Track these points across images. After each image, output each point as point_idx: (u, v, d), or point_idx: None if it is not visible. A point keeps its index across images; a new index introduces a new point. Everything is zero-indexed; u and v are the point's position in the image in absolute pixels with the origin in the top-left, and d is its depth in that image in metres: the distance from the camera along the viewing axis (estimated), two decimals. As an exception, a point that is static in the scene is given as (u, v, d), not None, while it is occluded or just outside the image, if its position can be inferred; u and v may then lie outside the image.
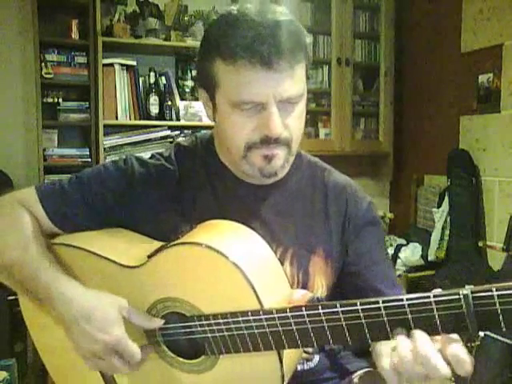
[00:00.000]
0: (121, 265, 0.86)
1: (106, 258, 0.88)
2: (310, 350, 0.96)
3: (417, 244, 3.15)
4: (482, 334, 0.55)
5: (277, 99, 0.81)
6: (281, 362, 0.75)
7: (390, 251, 3.16)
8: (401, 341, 0.64)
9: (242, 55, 0.79)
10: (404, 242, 3.24)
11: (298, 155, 1.00)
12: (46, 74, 2.77)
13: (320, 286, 0.94)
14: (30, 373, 2.48)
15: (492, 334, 2.37)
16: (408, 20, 3.52)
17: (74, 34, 2.82)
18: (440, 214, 3.05)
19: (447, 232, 3.02)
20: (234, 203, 0.94)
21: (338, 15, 3.26)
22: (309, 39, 0.86)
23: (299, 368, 0.94)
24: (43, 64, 2.77)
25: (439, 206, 3.09)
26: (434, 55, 3.30)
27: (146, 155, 1.01)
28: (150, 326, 0.84)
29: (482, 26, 2.92)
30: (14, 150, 2.88)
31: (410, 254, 3.11)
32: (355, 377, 1.01)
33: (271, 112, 0.81)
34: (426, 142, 3.40)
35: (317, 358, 0.97)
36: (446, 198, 3.03)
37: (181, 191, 0.95)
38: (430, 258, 3.04)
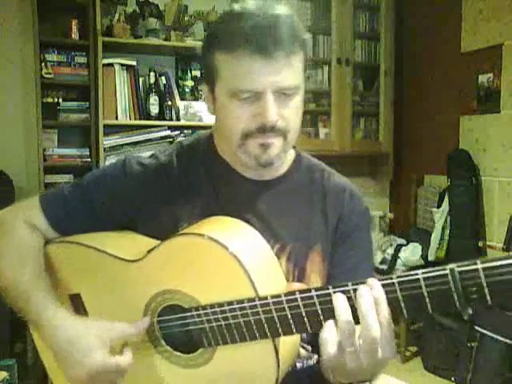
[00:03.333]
0: (121, 259, 0.87)
1: (106, 253, 0.89)
2: (309, 348, 0.97)
3: (417, 244, 3.15)
4: (470, 311, 0.56)
5: (273, 88, 0.83)
6: (277, 354, 0.76)
7: (390, 251, 3.16)
8: (364, 291, 0.66)
9: (241, 44, 0.81)
10: (404, 241, 3.24)
11: (297, 155, 1.02)
12: (46, 73, 2.77)
13: (315, 282, 0.94)
14: (30, 373, 2.48)
15: (492, 334, 2.37)
16: (408, 20, 3.52)
17: (74, 34, 2.82)
18: (440, 214, 3.05)
19: (447, 232, 3.02)
20: (234, 198, 0.95)
21: (338, 15, 3.26)
22: (308, 36, 0.88)
23: (298, 366, 0.95)
24: (43, 64, 2.77)
25: (439, 206, 3.09)
26: (433, 55, 3.30)
27: (146, 154, 1.02)
28: (136, 331, 0.84)
29: (482, 26, 2.92)
30: (14, 150, 2.88)
31: (410, 254, 3.11)
32: None
33: (267, 100, 0.83)
34: (426, 142, 3.40)
35: (316, 356, 0.98)
36: (446, 198, 3.03)
37: (181, 189, 0.95)
38: (429, 258, 3.04)
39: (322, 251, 0.95)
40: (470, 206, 2.96)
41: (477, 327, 2.44)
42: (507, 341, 2.33)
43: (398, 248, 3.14)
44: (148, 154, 1.01)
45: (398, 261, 3.09)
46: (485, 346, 2.41)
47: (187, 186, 0.96)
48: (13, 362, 2.04)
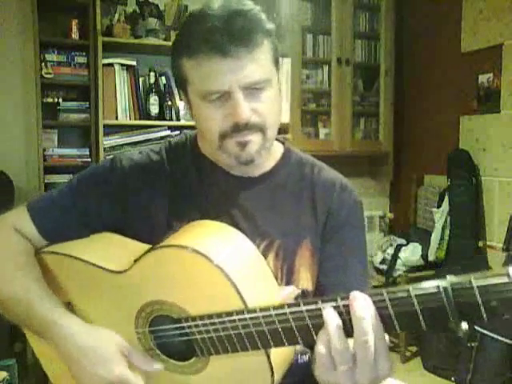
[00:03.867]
0: (108, 270, 0.86)
1: (93, 265, 0.87)
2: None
3: (417, 244, 3.15)
4: (465, 326, 0.55)
5: (240, 86, 0.83)
6: (269, 362, 0.75)
7: (390, 251, 3.16)
8: (329, 312, 0.64)
9: (200, 48, 0.82)
10: (404, 241, 3.24)
11: (286, 151, 1.01)
12: (46, 73, 2.77)
13: (305, 278, 0.93)
14: (30, 373, 2.48)
15: (492, 334, 2.37)
16: (408, 20, 3.52)
17: (74, 34, 2.82)
18: (440, 214, 3.05)
19: (447, 232, 3.02)
20: (221, 195, 0.94)
21: (338, 15, 3.26)
22: (271, 26, 0.87)
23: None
24: (43, 64, 2.77)
25: (439, 206, 3.09)
26: (434, 55, 3.30)
27: (135, 152, 1.01)
28: (149, 368, 0.83)
29: (482, 26, 2.92)
30: (14, 150, 2.88)
31: (410, 254, 3.11)
32: None
33: (236, 99, 0.83)
34: (426, 142, 3.40)
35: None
36: (446, 198, 3.03)
37: (169, 186, 0.95)
38: (430, 258, 3.04)
39: (311, 246, 0.94)
40: (470, 206, 2.96)
41: (477, 327, 2.44)
42: (507, 341, 2.33)
43: (398, 248, 3.14)
44: (136, 151, 1.01)
45: (398, 261, 3.09)
46: (485, 346, 2.41)
47: (176, 184, 0.95)
48: (13, 362, 2.04)
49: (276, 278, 0.87)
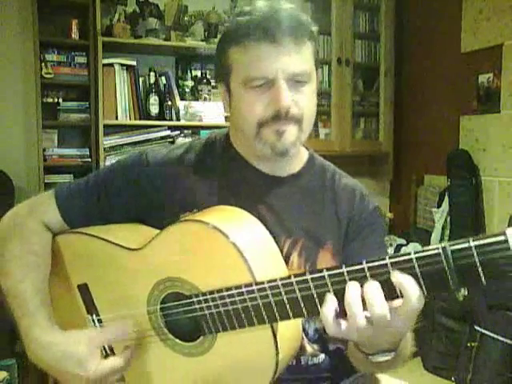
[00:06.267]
0: (124, 247, 0.89)
1: (110, 242, 0.91)
2: (315, 347, 0.97)
3: (417, 244, 3.15)
4: (464, 291, 0.56)
5: (285, 75, 0.86)
6: (275, 342, 0.77)
7: (390, 251, 3.16)
8: (351, 285, 0.66)
9: (250, 34, 0.85)
10: (404, 242, 3.24)
11: (310, 156, 1.04)
12: (46, 73, 2.77)
13: None
14: (30, 373, 2.47)
15: (492, 334, 2.37)
16: (408, 20, 3.52)
17: (74, 34, 2.82)
18: (440, 214, 3.05)
19: (447, 232, 3.02)
20: (248, 192, 0.96)
21: (338, 15, 3.26)
22: (315, 29, 0.92)
23: (302, 362, 0.96)
24: (43, 64, 2.76)
25: (439, 206, 3.09)
26: (434, 55, 3.30)
27: (163, 149, 1.03)
28: (124, 335, 0.87)
29: (482, 26, 2.92)
30: (14, 150, 2.88)
31: (410, 254, 3.10)
32: (359, 376, 1.02)
33: (279, 86, 0.86)
34: (426, 142, 3.40)
35: (322, 355, 0.98)
36: (446, 198, 3.03)
37: (197, 181, 0.97)
38: (430, 258, 3.04)
39: (332, 248, 0.96)
40: (470, 206, 2.96)
41: (477, 327, 2.44)
42: (507, 341, 2.33)
43: (398, 248, 3.14)
44: (164, 149, 1.02)
45: (398, 261, 3.08)
46: (485, 346, 2.41)
47: (204, 179, 0.97)
48: (13, 362, 2.04)
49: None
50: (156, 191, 0.96)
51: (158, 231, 0.88)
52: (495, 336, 2.36)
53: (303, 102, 0.89)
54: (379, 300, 0.64)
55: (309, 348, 0.96)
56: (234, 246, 0.77)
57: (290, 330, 0.82)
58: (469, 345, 2.47)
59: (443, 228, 3.03)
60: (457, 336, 2.63)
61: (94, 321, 0.95)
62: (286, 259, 0.92)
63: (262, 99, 0.87)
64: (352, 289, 0.66)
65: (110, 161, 2.77)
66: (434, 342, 2.78)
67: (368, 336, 0.68)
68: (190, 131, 2.99)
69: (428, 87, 3.37)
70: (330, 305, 0.67)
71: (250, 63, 0.86)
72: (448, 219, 3.01)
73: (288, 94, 0.86)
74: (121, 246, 0.90)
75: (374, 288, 0.65)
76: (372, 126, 3.54)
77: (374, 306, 0.64)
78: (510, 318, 2.34)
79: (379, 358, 0.77)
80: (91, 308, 0.95)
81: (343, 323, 0.67)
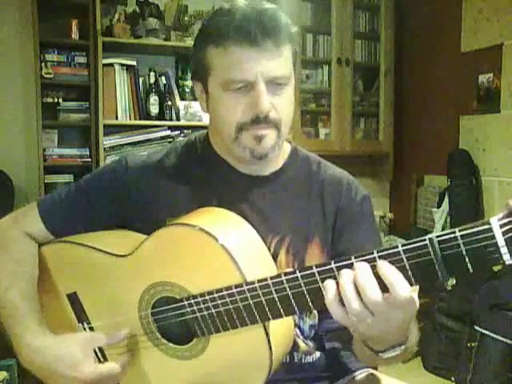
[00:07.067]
0: (112, 254, 0.88)
1: (97, 250, 0.90)
2: (310, 344, 0.97)
3: (417, 244, 3.15)
4: (453, 280, 0.57)
5: (265, 77, 0.85)
6: (269, 341, 0.77)
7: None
8: (343, 273, 0.66)
9: (230, 36, 0.83)
10: (404, 242, 3.24)
11: (293, 150, 1.02)
12: (45, 74, 2.77)
13: None
14: (30, 373, 2.47)
15: (492, 334, 2.37)
16: (408, 20, 3.52)
17: (74, 34, 2.82)
18: (440, 214, 3.05)
19: (447, 232, 3.01)
20: (231, 193, 0.95)
21: (338, 15, 3.26)
22: (295, 30, 0.91)
23: (296, 359, 0.95)
24: (43, 64, 2.77)
25: (439, 206, 3.09)
26: (433, 55, 3.30)
27: (143, 153, 1.03)
28: (115, 340, 0.88)
29: (482, 26, 2.91)
30: (14, 149, 2.88)
31: (410, 254, 3.10)
32: (356, 375, 1.01)
33: (259, 90, 0.84)
34: (426, 142, 3.40)
35: (317, 353, 0.98)
36: (446, 198, 3.03)
37: (178, 185, 0.96)
38: (430, 258, 3.04)
39: (320, 243, 0.95)
40: (470, 206, 2.96)
41: (477, 327, 2.44)
42: (507, 341, 2.33)
43: (398, 248, 3.14)
44: (143, 152, 1.02)
45: (398, 261, 3.08)
46: (485, 346, 2.41)
47: (185, 183, 0.96)
48: (13, 362, 2.04)
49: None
50: (138, 196, 0.95)
51: (145, 236, 0.87)
52: (495, 336, 2.36)
53: (282, 105, 0.88)
54: (370, 284, 0.65)
55: (303, 345, 0.96)
56: (223, 248, 0.76)
57: (282, 326, 0.82)
58: (469, 345, 2.47)
59: (443, 228, 3.03)
60: (457, 336, 2.63)
61: (85, 329, 0.94)
62: (274, 257, 0.91)
63: (242, 102, 0.86)
64: (344, 276, 0.66)
65: (110, 161, 2.76)
66: (434, 342, 2.78)
67: (371, 326, 0.67)
68: (190, 131, 2.99)
69: (428, 87, 3.37)
70: (330, 290, 0.67)
71: (230, 66, 0.85)
72: (448, 219, 3.01)
73: (267, 97, 0.85)
74: (109, 253, 0.89)
75: (364, 273, 0.65)
76: (372, 126, 3.54)
77: (365, 290, 0.64)
78: (510, 318, 2.34)
79: (389, 354, 0.77)
80: (82, 317, 0.94)
81: (344, 309, 0.67)
